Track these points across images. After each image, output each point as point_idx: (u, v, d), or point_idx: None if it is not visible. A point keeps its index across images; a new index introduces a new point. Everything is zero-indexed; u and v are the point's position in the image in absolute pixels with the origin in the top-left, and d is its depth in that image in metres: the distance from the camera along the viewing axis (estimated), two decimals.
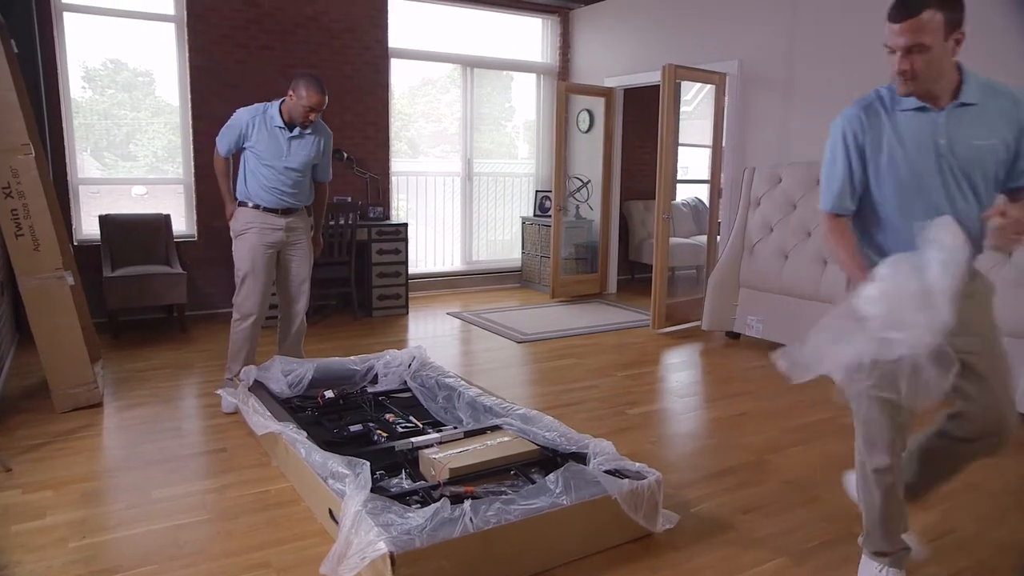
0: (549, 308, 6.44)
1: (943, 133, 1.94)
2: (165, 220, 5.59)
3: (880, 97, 2.06)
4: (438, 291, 7.11)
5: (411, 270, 6.71)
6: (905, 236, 1.94)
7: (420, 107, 7.15)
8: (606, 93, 6.89)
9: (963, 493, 2.88)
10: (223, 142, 3.73)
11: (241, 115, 3.65)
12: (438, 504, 2.13)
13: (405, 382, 3.62)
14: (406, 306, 6.16)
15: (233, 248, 3.72)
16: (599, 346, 5.16)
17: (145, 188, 5.86)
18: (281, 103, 3.62)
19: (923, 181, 1.96)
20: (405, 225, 6.16)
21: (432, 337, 5.43)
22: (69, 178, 5.37)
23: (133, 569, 2.24)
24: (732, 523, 2.61)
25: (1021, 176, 1.98)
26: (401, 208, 6.95)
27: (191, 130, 5.71)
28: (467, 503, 2.17)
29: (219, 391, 3.61)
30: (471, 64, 7.10)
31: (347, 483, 2.31)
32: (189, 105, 5.68)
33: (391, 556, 1.95)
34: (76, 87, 5.45)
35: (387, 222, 6.20)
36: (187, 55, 5.62)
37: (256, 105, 3.68)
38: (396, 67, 6.66)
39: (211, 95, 5.72)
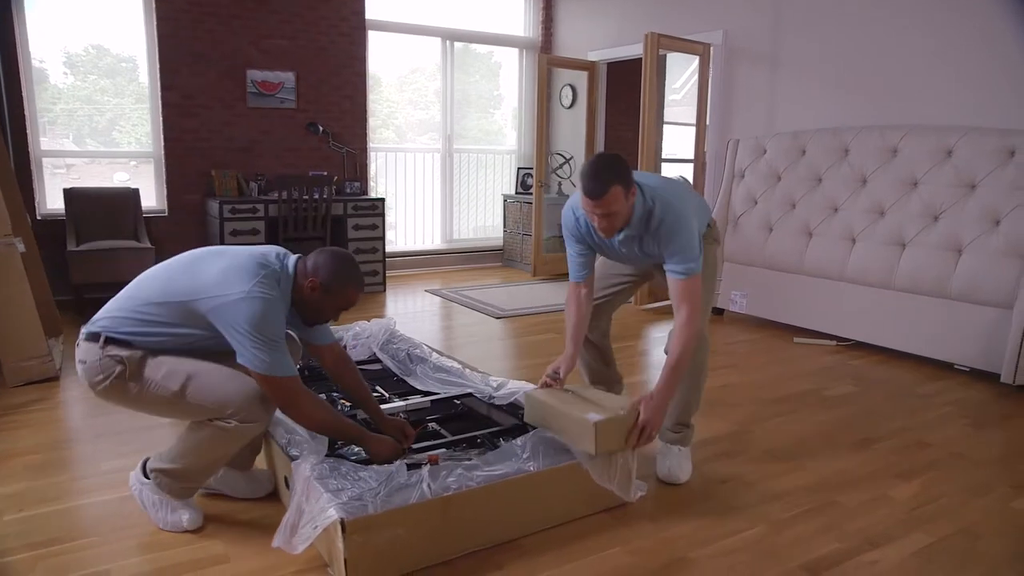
0: (530, 285, 6.31)
1: None
2: (133, 194, 5.41)
3: None
4: (418, 270, 6.97)
5: (390, 249, 6.59)
6: None
7: (408, 95, 7.02)
8: (589, 67, 6.74)
9: (948, 461, 2.80)
10: (284, 355, 2.07)
11: (278, 301, 2.08)
12: (392, 469, 2.00)
13: (374, 353, 3.49)
14: (383, 283, 6.02)
15: (144, 387, 2.10)
16: None
17: (128, 175, 5.70)
18: (293, 282, 2.16)
19: None
20: (382, 200, 6.01)
21: (409, 313, 5.29)
22: (31, 149, 5.18)
23: (71, 541, 2.11)
24: (710, 493, 2.51)
25: None
26: (380, 185, 6.80)
27: (160, 102, 5.54)
28: (425, 468, 2.05)
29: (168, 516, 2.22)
30: (452, 38, 6.93)
31: (303, 449, 2.18)
32: (158, 75, 5.50)
33: (341, 522, 1.83)
34: (57, 72, 5.35)
35: (364, 197, 6.05)
36: (155, 23, 5.43)
37: (272, 269, 2.11)
38: (376, 41, 6.49)
39: (180, 65, 5.54)
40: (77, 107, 5.46)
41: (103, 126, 5.58)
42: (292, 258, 2.21)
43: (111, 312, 2.14)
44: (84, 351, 2.12)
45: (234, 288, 2.01)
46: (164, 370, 2.08)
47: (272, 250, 2.19)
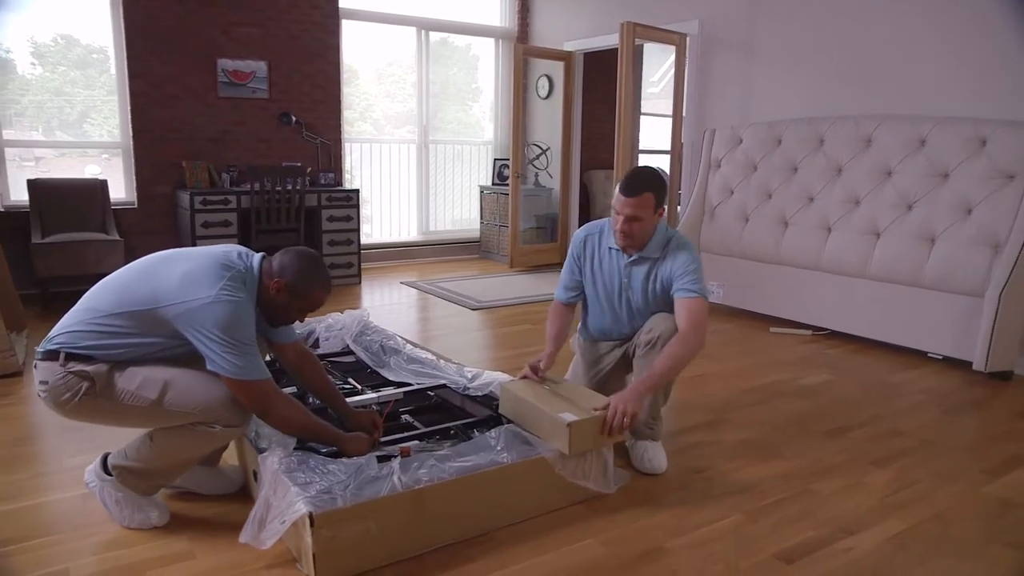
0: (507, 277, 6.27)
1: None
2: (101, 185, 5.29)
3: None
4: (394, 262, 6.91)
5: (366, 241, 6.52)
6: None
7: (385, 87, 6.95)
8: (565, 57, 6.70)
9: (921, 448, 2.81)
10: (257, 358, 2.02)
11: (246, 303, 2.01)
12: (362, 461, 1.96)
13: (347, 345, 3.44)
14: (358, 275, 5.96)
15: (118, 400, 2.00)
16: None
17: (100, 168, 5.58)
18: (258, 283, 2.09)
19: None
20: (357, 191, 5.94)
21: (385, 305, 5.24)
22: None
23: (30, 540, 2.04)
24: (686, 482, 2.49)
25: None
26: (356, 177, 6.72)
27: (127, 90, 5.41)
28: (396, 460, 2.01)
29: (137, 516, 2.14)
30: (427, 27, 6.85)
31: (271, 442, 2.13)
32: (125, 63, 5.38)
33: (310, 516, 1.78)
34: (25, 63, 5.22)
35: (338, 188, 5.97)
36: (121, 9, 5.31)
37: (236, 270, 2.03)
38: (352, 32, 6.40)
39: (149, 54, 5.42)
40: (46, 99, 5.33)
41: (74, 118, 5.46)
42: (256, 258, 2.13)
43: (67, 327, 2.03)
44: (44, 371, 2.00)
45: (200, 293, 1.93)
46: (139, 380, 1.99)
47: (233, 250, 2.11)
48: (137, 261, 2.12)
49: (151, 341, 2.02)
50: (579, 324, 2.95)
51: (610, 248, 2.65)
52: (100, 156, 5.60)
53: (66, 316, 2.07)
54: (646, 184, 2.45)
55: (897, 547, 2.10)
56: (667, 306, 2.57)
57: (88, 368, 1.98)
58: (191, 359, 2.03)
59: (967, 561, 2.05)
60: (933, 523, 2.24)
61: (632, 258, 2.58)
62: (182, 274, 1.98)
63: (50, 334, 2.04)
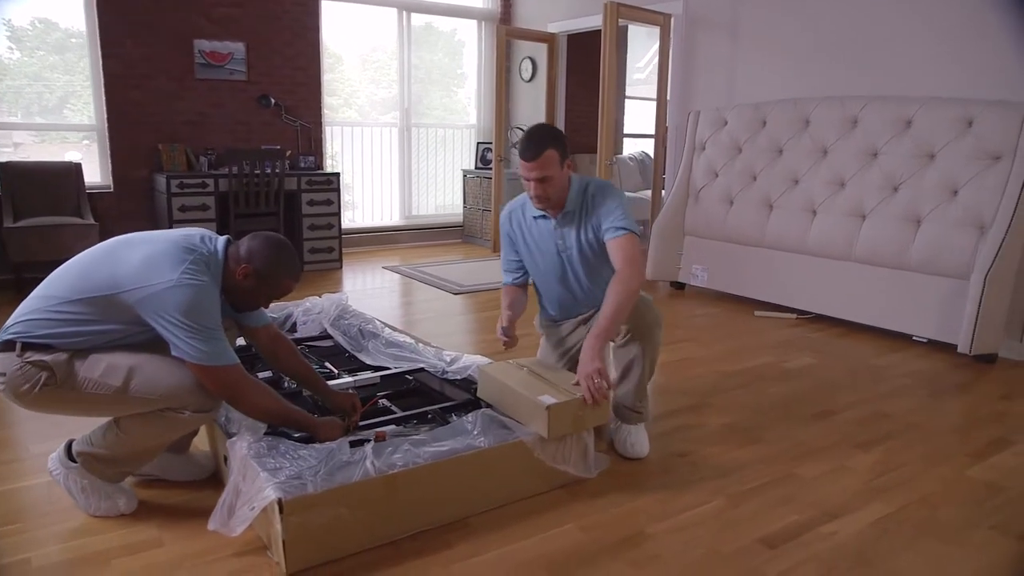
0: (489, 261, 6.20)
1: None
2: (75, 169, 5.17)
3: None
4: (376, 247, 6.82)
5: (349, 226, 6.43)
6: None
7: (370, 74, 6.85)
8: (548, 39, 6.61)
9: (906, 432, 2.78)
10: (223, 342, 1.94)
11: (210, 287, 1.94)
12: (334, 446, 1.90)
13: (325, 330, 3.37)
14: (339, 260, 5.87)
15: (80, 389, 1.92)
16: None
17: (80, 154, 5.44)
18: (223, 268, 2.02)
19: None
20: (337, 175, 5.84)
21: (366, 289, 5.16)
22: None
23: None
24: (668, 467, 2.45)
25: None
26: (338, 162, 6.61)
27: (101, 71, 5.28)
28: (369, 445, 1.95)
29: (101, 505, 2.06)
30: (408, 8, 6.74)
31: (241, 426, 2.07)
32: (98, 42, 5.24)
33: (279, 503, 1.72)
34: (1, 47, 5.07)
35: (318, 172, 5.87)
36: None
37: (199, 253, 1.96)
38: (334, 15, 6.27)
39: (122, 34, 5.28)
40: (24, 84, 5.20)
41: (53, 104, 5.33)
42: (220, 241, 2.05)
43: (24, 315, 1.95)
44: (0, 363, 1.92)
45: (161, 276, 1.86)
46: (101, 367, 1.91)
47: (196, 233, 2.03)
48: (97, 246, 2.04)
49: (112, 328, 1.94)
50: (539, 310, 2.89)
51: (535, 217, 2.60)
52: (81, 142, 5.47)
53: (22, 304, 1.98)
54: (544, 142, 2.39)
55: (882, 531, 2.07)
56: (609, 265, 2.49)
57: (46, 357, 1.90)
58: (154, 345, 1.95)
59: (952, 544, 2.02)
60: (918, 506, 2.21)
61: (558, 218, 2.54)
62: (143, 258, 1.90)
63: (6, 323, 1.96)
